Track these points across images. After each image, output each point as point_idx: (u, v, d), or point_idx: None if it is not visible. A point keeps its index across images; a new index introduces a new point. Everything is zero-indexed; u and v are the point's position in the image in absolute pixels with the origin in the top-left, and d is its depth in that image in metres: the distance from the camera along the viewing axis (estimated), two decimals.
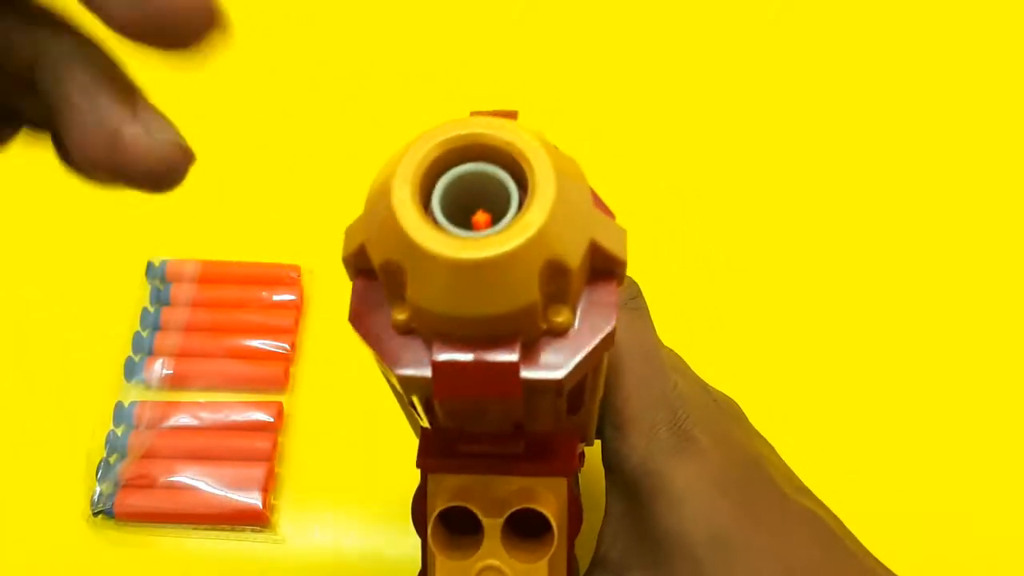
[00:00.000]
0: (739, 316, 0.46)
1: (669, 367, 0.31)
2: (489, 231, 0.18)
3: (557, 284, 0.19)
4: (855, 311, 0.46)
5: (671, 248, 0.48)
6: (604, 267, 0.20)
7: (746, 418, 0.34)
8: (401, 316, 0.19)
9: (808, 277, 0.47)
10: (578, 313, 0.20)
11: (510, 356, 0.19)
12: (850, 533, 0.32)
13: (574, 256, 0.19)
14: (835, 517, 0.32)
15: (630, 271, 0.22)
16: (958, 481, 0.42)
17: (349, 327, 0.21)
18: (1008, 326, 0.45)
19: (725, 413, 0.33)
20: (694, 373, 0.34)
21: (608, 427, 0.30)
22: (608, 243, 0.20)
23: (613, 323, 0.20)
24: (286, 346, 0.45)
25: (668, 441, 0.30)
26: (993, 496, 0.42)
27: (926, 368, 0.45)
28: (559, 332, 0.20)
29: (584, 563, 0.31)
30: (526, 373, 0.19)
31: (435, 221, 0.19)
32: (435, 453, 0.26)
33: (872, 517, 0.41)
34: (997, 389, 0.44)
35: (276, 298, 0.46)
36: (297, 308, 0.46)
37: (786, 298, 0.46)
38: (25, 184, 0.50)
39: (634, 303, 0.31)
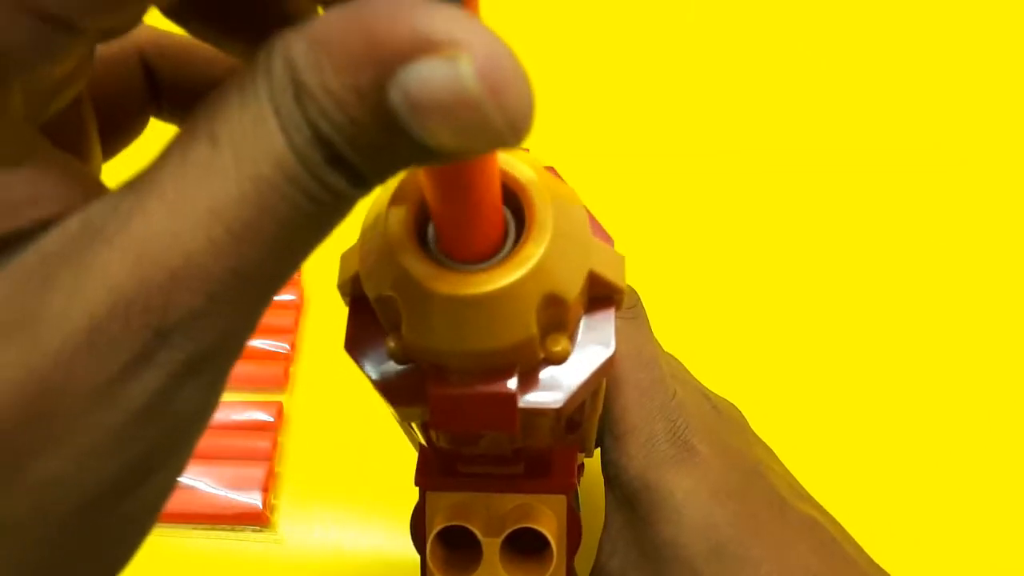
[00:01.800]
0: (740, 322, 0.46)
1: (668, 375, 0.31)
2: (485, 264, 0.18)
3: (555, 314, 0.19)
4: (857, 316, 0.46)
5: (672, 254, 0.48)
6: (602, 294, 0.20)
7: (747, 424, 0.34)
8: (396, 346, 0.19)
9: (810, 283, 0.47)
10: (576, 339, 0.20)
11: (507, 388, 0.19)
12: (851, 538, 0.32)
13: (572, 287, 0.19)
14: (836, 523, 0.32)
15: (631, 277, 0.21)
16: (959, 486, 0.42)
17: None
18: (1010, 334, 0.45)
19: (725, 421, 0.32)
20: (695, 380, 0.34)
21: (607, 437, 0.30)
22: (606, 272, 0.19)
23: (612, 350, 0.20)
24: (286, 346, 0.45)
25: (667, 451, 0.30)
26: (994, 501, 0.42)
27: (928, 374, 0.44)
28: (557, 360, 0.20)
29: (583, 574, 0.31)
30: (524, 403, 0.19)
31: (430, 253, 0.18)
32: (433, 471, 0.26)
33: (873, 522, 0.41)
34: (998, 395, 0.44)
35: (276, 298, 0.46)
36: (297, 308, 0.46)
37: (788, 304, 0.46)
38: None
39: (632, 312, 0.31)
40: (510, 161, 0.18)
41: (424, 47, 0.13)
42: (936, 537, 0.41)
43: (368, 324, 0.20)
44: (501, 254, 0.18)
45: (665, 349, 0.33)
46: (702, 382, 0.34)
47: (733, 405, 0.34)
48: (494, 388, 0.19)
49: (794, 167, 0.50)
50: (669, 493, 0.29)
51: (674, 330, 0.44)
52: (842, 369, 0.45)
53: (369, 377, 0.20)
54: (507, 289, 0.17)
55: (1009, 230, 0.48)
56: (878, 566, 0.31)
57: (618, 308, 0.20)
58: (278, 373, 0.45)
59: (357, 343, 0.20)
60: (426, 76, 0.13)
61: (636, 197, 0.49)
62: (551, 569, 0.26)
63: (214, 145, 0.14)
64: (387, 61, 0.13)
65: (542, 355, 0.19)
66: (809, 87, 0.52)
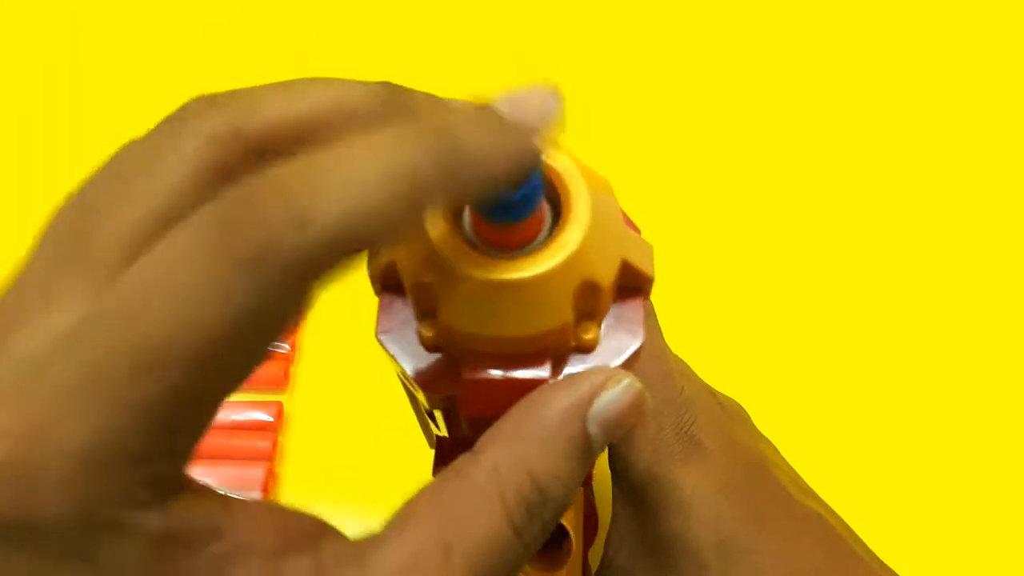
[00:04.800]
0: (742, 322, 0.46)
1: (676, 372, 0.31)
2: (522, 250, 0.18)
3: (588, 302, 0.19)
4: (858, 316, 0.46)
5: (674, 255, 0.48)
6: (632, 284, 0.20)
7: (751, 421, 0.34)
8: (430, 333, 0.19)
9: (811, 283, 0.47)
10: (605, 329, 0.20)
11: (540, 373, 0.19)
12: (854, 534, 0.32)
13: (607, 275, 0.19)
14: (840, 519, 0.33)
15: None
16: (961, 484, 0.43)
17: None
18: (1011, 330, 0.46)
19: (731, 417, 0.33)
20: (700, 379, 0.34)
21: None
22: (638, 261, 0.20)
23: (641, 340, 0.20)
24: (286, 346, 0.45)
25: (674, 446, 0.30)
26: (995, 498, 0.42)
27: (929, 372, 0.45)
28: (587, 349, 0.20)
29: (593, 567, 0.31)
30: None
31: (467, 239, 0.19)
32: (451, 463, 0.26)
33: (875, 519, 0.41)
34: (1000, 392, 0.44)
35: None
36: None
37: (789, 304, 0.47)
38: (26, 185, 0.50)
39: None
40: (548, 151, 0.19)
41: (604, 383, 0.19)
42: (937, 534, 0.42)
43: (399, 313, 0.20)
44: (537, 241, 0.18)
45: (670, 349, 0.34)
46: (705, 381, 0.35)
47: (737, 403, 0.35)
48: (528, 374, 0.19)
49: (798, 170, 0.50)
50: (676, 487, 0.30)
51: (678, 330, 0.45)
52: (844, 369, 0.45)
53: (400, 364, 0.20)
54: (545, 275, 0.18)
55: (1011, 231, 0.48)
56: (882, 562, 0.31)
57: (646, 298, 0.21)
58: (278, 373, 0.45)
59: (388, 332, 0.20)
60: (616, 398, 0.19)
61: (640, 197, 0.49)
62: (569, 560, 0.26)
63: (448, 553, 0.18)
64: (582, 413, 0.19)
65: (573, 343, 0.20)
66: (810, 85, 0.53)
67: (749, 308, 0.47)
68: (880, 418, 0.44)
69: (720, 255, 0.48)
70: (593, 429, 0.19)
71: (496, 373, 0.19)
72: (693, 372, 0.34)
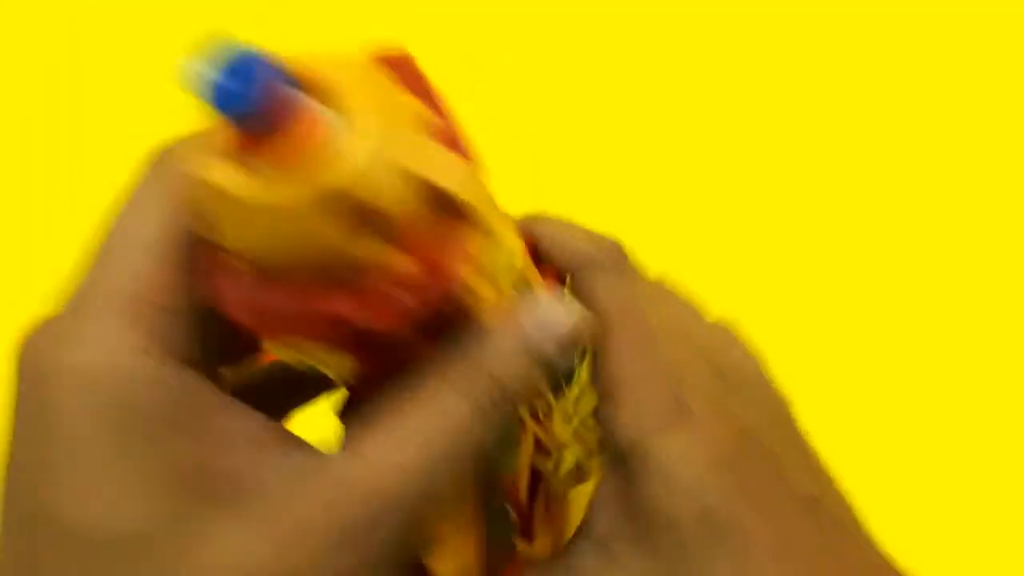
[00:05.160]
0: (740, 316, 0.46)
1: (662, 331, 0.29)
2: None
3: (379, 226, 0.18)
4: (856, 311, 0.46)
5: (673, 245, 0.47)
6: (450, 208, 0.19)
7: (765, 384, 0.31)
8: (229, 258, 0.19)
9: (809, 273, 0.47)
10: (428, 257, 0.19)
11: (335, 301, 0.18)
12: (856, 520, 0.29)
13: (387, 197, 0.17)
14: (843, 502, 0.30)
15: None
16: (960, 479, 0.41)
17: None
18: (1008, 317, 0.45)
19: (730, 384, 0.30)
20: (702, 336, 0.31)
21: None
22: (443, 183, 0.18)
23: (459, 264, 0.19)
24: None
25: (659, 412, 0.28)
26: (995, 493, 0.41)
27: (928, 364, 0.44)
28: (401, 278, 0.19)
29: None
30: (357, 316, 0.19)
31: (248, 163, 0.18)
32: (355, 406, 0.25)
33: (880, 513, 0.40)
34: (998, 383, 0.43)
35: None
36: None
37: (788, 298, 0.46)
38: (29, 188, 0.51)
39: (618, 264, 0.30)
40: (321, 60, 0.18)
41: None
42: (937, 530, 0.40)
43: (217, 256, 0.19)
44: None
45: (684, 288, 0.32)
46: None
47: (750, 358, 0.32)
48: (322, 302, 0.18)
49: (797, 162, 0.50)
50: (659, 455, 0.28)
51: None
52: (842, 365, 0.45)
53: (209, 291, 0.19)
54: (289, 194, 0.17)
55: (1007, 225, 0.47)
56: (879, 552, 0.29)
57: (473, 224, 0.19)
58: None
59: (211, 277, 0.19)
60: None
61: (636, 182, 0.50)
62: None
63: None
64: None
65: (379, 271, 0.19)
66: (808, 73, 0.52)
67: (747, 305, 0.46)
68: (879, 413, 0.43)
69: (719, 251, 0.48)
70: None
71: (288, 301, 0.18)
72: (694, 330, 0.32)
